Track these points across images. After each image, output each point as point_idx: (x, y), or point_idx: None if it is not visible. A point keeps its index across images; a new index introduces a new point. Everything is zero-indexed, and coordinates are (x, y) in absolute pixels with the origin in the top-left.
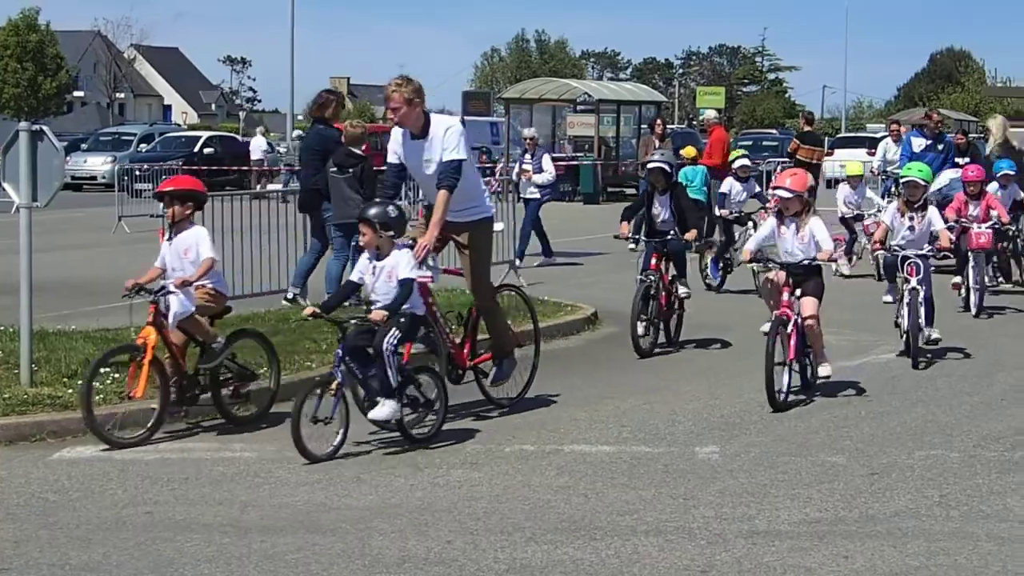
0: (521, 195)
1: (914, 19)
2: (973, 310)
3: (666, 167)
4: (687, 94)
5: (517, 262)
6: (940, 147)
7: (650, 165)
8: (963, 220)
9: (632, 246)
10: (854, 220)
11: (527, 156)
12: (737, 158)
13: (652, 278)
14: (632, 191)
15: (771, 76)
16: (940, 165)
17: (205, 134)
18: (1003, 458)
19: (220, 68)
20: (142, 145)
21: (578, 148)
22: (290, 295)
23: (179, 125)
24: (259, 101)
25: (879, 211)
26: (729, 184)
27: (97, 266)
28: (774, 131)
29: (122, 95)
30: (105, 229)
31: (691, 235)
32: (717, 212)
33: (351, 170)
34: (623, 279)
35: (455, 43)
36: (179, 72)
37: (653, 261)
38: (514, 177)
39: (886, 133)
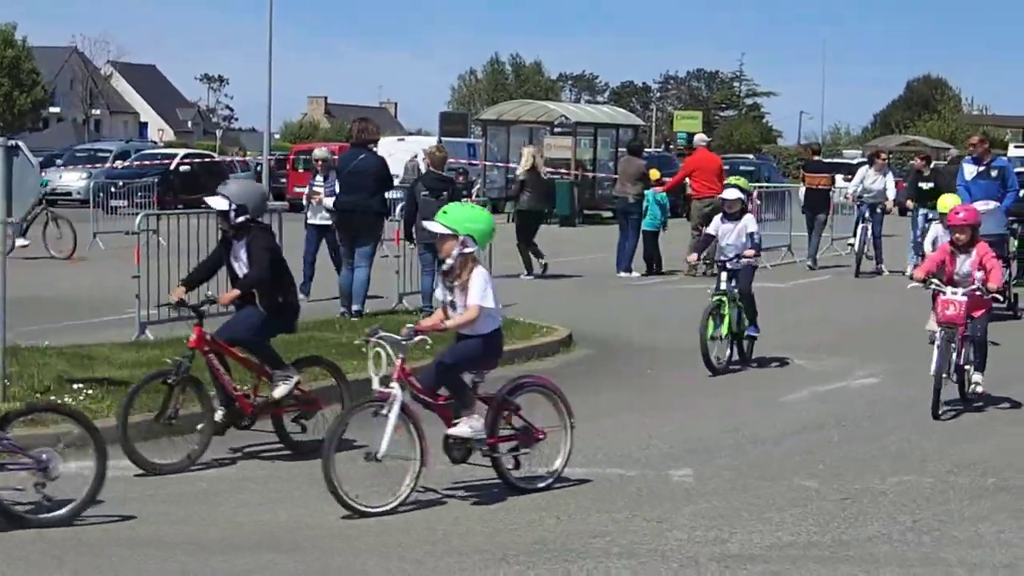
0: (309, 220)
1: (891, 47)
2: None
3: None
4: (664, 118)
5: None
6: (994, 174)
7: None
8: (933, 283)
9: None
10: None
11: (319, 178)
12: (728, 186)
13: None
14: (609, 214)
15: (748, 101)
16: (997, 192)
17: (181, 152)
18: (976, 484)
19: (197, 86)
20: (118, 162)
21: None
22: (356, 309)
23: (155, 142)
24: (236, 119)
25: None
26: (716, 224)
27: (71, 282)
28: (751, 156)
29: (98, 111)
30: (80, 245)
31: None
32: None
33: (444, 193)
34: (598, 301)
35: (432, 64)
36: (156, 89)
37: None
38: (304, 201)
39: (863, 159)
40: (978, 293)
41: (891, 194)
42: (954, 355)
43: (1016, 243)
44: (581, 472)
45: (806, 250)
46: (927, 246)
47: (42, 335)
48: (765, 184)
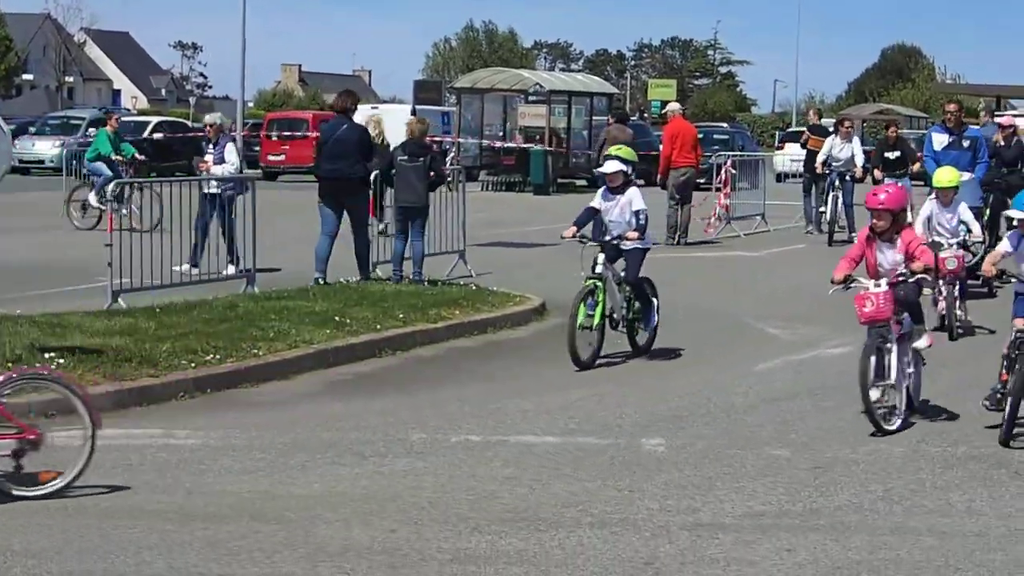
0: (203, 188)
1: (865, 15)
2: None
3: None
4: (639, 86)
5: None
6: (966, 144)
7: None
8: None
9: None
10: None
11: (209, 146)
12: (608, 158)
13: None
14: (583, 183)
15: (723, 70)
16: (969, 164)
17: (155, 119)
18: (946, 453)
19: (171, 53)
20: (91, 129)
21: (529, 138)
22: (362, 276)
23: (128, 110)
24: (210, 87)
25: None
26: (598, 198)
27: (44, 251)
28: (725, 124)
29: (71, 79)
30: (52, 213)
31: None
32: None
33: (421, 159)
34: (574, 270)
35: (406, 32)
36: (129, 57)
37: None
38: (197, 169)
39: (833, 130)
40: (902, 279)
41: (859, 160)
42: (892, 359)
43: (988, 213)
44: (553, 441)
45: (803, 214)
46: (918, 227)
47: (13, 303)
48: (739, 153)
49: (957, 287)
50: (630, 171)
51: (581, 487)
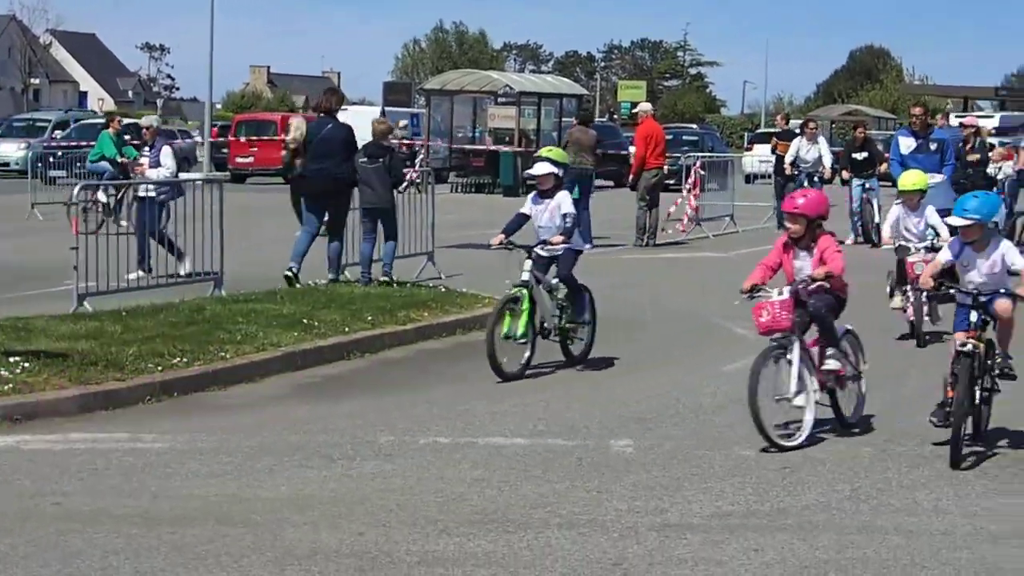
0: (135, 193)
1: (834, 17)
2: None
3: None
4: (608, 88)
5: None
6: (933, 147)
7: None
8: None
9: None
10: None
11: (145, 148)
12: (538, 159)
13: None
14: None
15: (692, 71)
16: (936, 167)
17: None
18: (913, 453)
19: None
20: (57, 132)
21: (498, 140)
22: (331, 277)
23: (95, 112)
24: (177, 89)
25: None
26: (528, 203)
27: (9, 254)
28: (694, 126)
29: (37, 81)
30: (18, 216)
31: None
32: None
33: (381, 160)
34: None
35: (376, 33)
36: (96, 58)
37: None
38: (132, 173)
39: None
40: (804, 286)
41: (827, 161)
42: (792, 371)
43: None
44: (522, 443)
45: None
46: (886, 230)
47: None
48: (709, 154)
49: (925, 292)
50: (561, 174)
51: (550, 488)
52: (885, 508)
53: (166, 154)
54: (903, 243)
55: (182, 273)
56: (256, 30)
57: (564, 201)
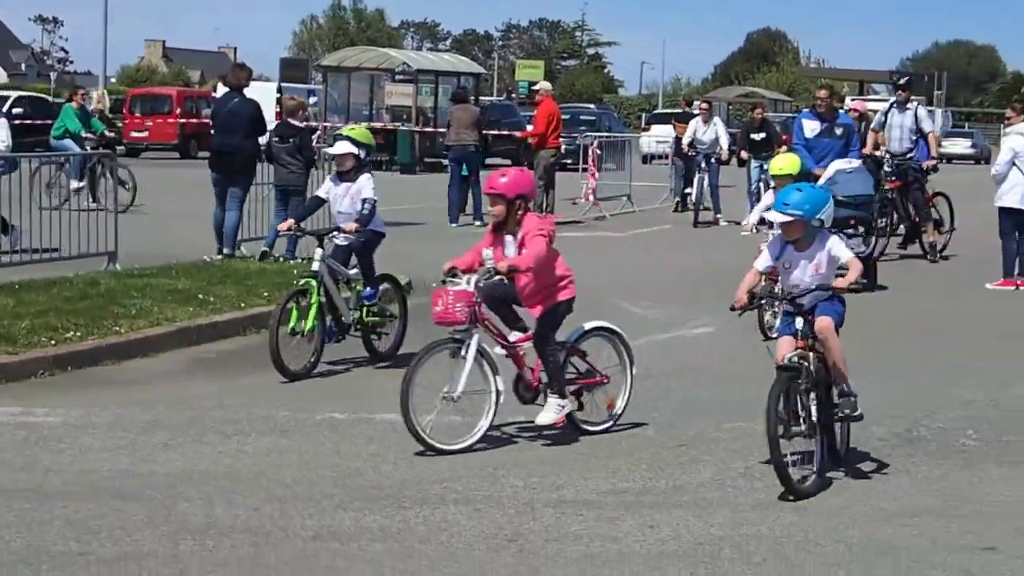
0: None
1: None
2: None
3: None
4: (506, 67)
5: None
6: (839, 132)
7: None
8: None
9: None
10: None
11: None
12: (338, 137)
13: None
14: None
15: (591, 51)
16: (841, 153)
17: (14, 94)
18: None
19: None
20: None
21: (396, 118)
22: (227, 252)
23: None
24: (71, 62)
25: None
26: (327, 185)
27: None
28: (592, 106)
29: None
30: None
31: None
32: None
33: (291, 140)
34: (439, 249)
35: (273, 8)
36: None
37: None
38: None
39: (697, 112)
40: (487, 278)
41: (724, 142)
42: (466, 368)
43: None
44: (421, 419)
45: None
46: (753, 215)
47: None
48: (606, 134)
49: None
50: (363, 155)
51: (446, 464)
52: (779, 486)
53: (1, 125)
54: (774, 232)
55: (8, 249)
56: (151, 3)
57: (365, 186)
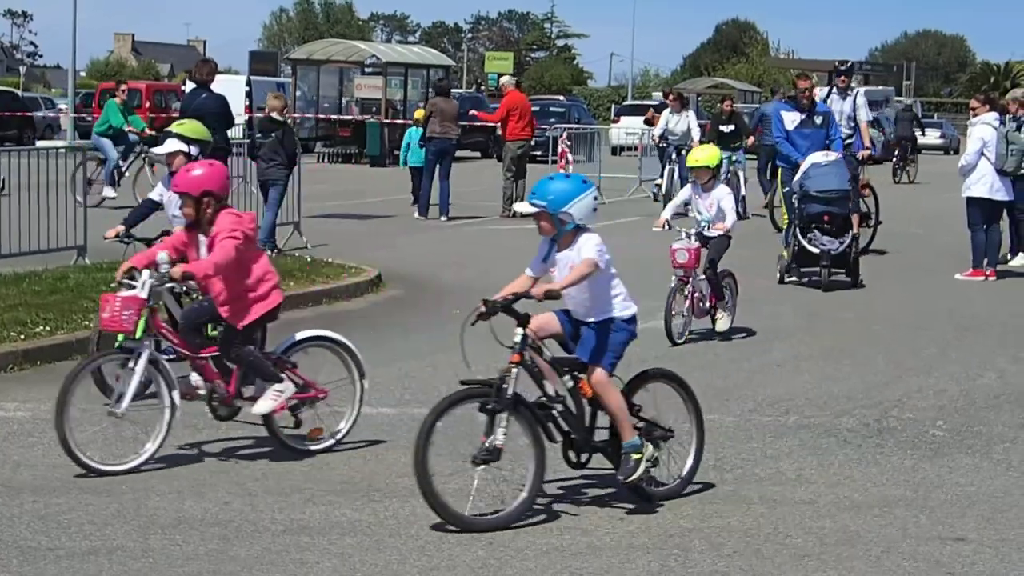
0: None
1: None
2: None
3: None
4: (476, 59)
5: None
6: (819, 121)
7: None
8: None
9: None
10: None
11: None
12: (168, 135)
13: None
14: None
15: (560, 43)
16: (823, 141)
17: None
18: (777, 423)
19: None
20: None
21: (366, 110)
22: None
23: None
24: (40, 56)
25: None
26: (159, 188)
27: None
28: (561, 97)
29: None
30: None
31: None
32: None
33: (273, 134)
34: (410, 242)
35: (243, 2)
36: None
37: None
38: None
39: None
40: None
41: (695, 134)
42: (133, 382)
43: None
44: (389, 412)
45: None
46: (668, 209)
47: None
48: (576, 126)
49: (695, 286)
50: (195, 152)
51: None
52: (749, 477)
53: None
54: (678, 227)
55: None
56: None
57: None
